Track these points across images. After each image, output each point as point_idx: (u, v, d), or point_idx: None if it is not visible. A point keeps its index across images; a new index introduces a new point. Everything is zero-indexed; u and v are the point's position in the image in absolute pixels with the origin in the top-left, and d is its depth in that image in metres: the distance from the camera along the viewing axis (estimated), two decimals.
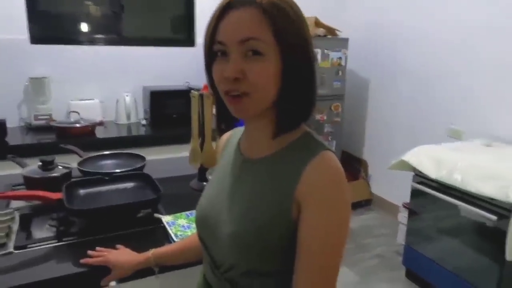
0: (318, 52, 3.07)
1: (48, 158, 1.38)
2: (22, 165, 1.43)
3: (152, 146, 2.50)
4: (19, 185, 1.45)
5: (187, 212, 1.20)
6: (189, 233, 1.07)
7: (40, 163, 1.37)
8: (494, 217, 1.86)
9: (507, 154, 2.16)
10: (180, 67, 3.12)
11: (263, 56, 0.66)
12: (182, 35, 3.25)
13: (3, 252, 1.00)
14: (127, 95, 2.85)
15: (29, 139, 2.44)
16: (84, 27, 2.92)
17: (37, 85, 2.66)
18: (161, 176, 1.57)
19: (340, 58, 3.19)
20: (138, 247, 1.03)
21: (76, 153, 1.59)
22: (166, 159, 2.09)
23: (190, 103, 1.43)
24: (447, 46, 2.80)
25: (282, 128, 0.72)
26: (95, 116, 2.73)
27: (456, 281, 2.11)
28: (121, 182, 1.34)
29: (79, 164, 1.47)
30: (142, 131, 2.75)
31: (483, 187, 1.88)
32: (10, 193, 1.17)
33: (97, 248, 1.02)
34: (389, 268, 2.63)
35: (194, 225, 1.10)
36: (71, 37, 2.86)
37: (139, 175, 1.39)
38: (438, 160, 2.15)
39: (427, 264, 2.30)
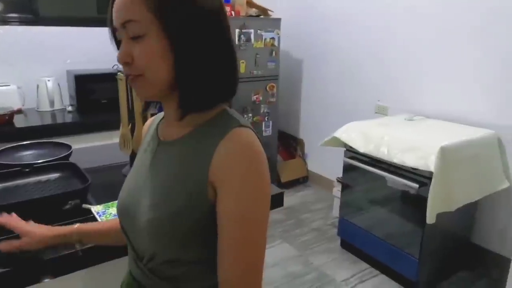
0: (252, 32, 3.06)
1: None
2: None
3: (80, 134, 2.36)
4: None
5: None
6: None
7: None
8: (416, 185, 2.02)
9: (426, 127, 2.34)
10: (108, 49, 2.93)
11: (143, 37, 0.64)
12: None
13: None
14: (48, 80, 2.63)
15: None
16: None
17: None
18: (92, 165, 1.49)
19: (273, 38, 3.21)
20: None
21: None
22: (96, 146, 1.98)
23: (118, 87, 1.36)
24: (373, 27, 2.93)
25: (186, 108, 0.69)
26: (13, 103, 2.49)
27: (385, 246, 2.29)
28: (44, 174, 1.24)
29: None
30: (69, 118, 2.57)
31: (406, 158, 2.03)
32: None
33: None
34: (325, 240, 2.77)
35: None
36: None
37: (64, 165, 1.30)
38: (366, 135, 2.28)
39: (359, 233, 2.46)
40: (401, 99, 2.80)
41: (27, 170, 1.23)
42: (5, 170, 1.22)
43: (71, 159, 1.46)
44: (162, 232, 0.67)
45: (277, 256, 2.55)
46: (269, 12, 3.28)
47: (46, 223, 1.06)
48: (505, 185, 2.16)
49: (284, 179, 3.57)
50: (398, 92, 2.81)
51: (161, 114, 0.84)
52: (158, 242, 0.68)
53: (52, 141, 1.51)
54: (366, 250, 2.45)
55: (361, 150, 2.27)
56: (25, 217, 1.06)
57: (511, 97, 2.19)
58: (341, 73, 3.26)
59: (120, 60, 0.67)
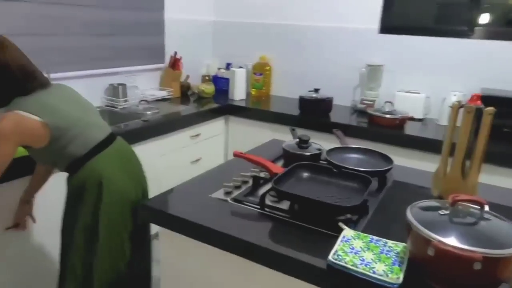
0: None
1: (304, 137, 1.52)
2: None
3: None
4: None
5: (375, 238, 1.01)
6: (357, 261, 0.90)
7: (298, 140, 1.54)
8: None
9: None
10: None
11: None
12: None
13: (224, 198, 1.24)
14: (454, 95, 2.53)
15: (347, 119, 2.67)
16: (431, 18, 2.78)
17: (372, 72, 2.85)
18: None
19: None
20: (307, 247, 1.01)
21: (339, 138, 1.65)
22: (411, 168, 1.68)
23: None
24: None
25: None
26: (412, 110, 2.62)
27: None
28: (346, 180, 1.28)
29: (328, 150, 1.51)
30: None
31: None
32: (243, 155, 1.34)
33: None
34: None
35: (367, 254, 0.93)
36: (417, 28, 2.80)
37: (366, 178, 1.26)
38: None
39: None
40: None
41: (335, 170, 1.32)
42: (320, 165, 1.37)
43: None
44: None
45: None
46: None
47: (308, 223, 1.11)
48: None
49: None
50: None
51: None
52: None
53: (377, 151, 1.49)
54: None
55: None
56: (303, 208, 1.15)
57: None
58: None
59: None
